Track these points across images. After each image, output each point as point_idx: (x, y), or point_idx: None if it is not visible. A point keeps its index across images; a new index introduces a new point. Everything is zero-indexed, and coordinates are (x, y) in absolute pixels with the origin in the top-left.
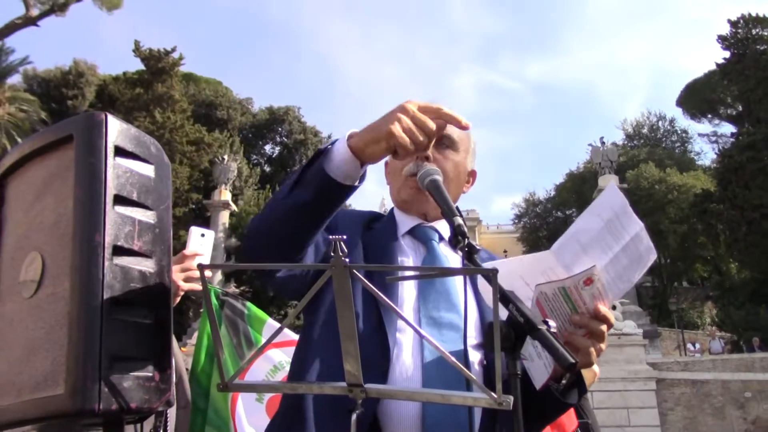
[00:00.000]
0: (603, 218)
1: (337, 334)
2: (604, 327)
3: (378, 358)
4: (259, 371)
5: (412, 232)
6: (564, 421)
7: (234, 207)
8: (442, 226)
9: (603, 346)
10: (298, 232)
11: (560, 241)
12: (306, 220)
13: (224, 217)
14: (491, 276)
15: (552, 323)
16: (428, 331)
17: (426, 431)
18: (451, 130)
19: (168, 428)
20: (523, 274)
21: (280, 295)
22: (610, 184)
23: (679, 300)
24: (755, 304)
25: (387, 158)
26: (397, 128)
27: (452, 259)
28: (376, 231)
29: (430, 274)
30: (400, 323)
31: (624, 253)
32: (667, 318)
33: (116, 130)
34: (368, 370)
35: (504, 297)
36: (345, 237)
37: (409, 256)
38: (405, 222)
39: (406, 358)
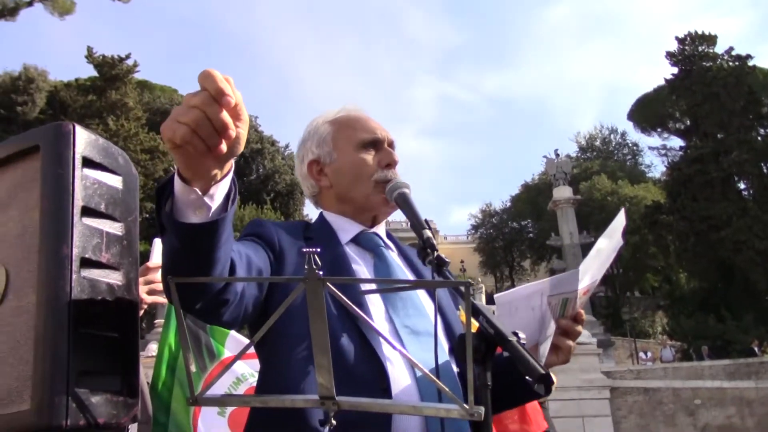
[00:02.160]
0: (613, 240)
1: (309, 348)
2: (579, 327)
3: (374, 375)
4: (222, 384)
5: (356, 240)
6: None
7: None
8: (382, 231)
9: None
10: (199, 267)
11: (585, 262)
12: (194, 259)
13: None
14: (464, 289)
15: (521, 334)
16: (408, 341)
17: None
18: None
19: None
20: (543, 289)
21: (219, 324)
22: (621, 211)
23: (632, 309)
24: (704, 313)
25: (344, 166)
26: (165, 122)
27: (399, 263)
28: (315, 241)
29: (404, 286)
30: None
31: (605, 263)
32: (619, 327)
33: (84, 140)
34: (367, 388)
35: (474, 309)
36: (318, 249)
37: (360, 264)
38: (346, 228)
39: (399, 372)
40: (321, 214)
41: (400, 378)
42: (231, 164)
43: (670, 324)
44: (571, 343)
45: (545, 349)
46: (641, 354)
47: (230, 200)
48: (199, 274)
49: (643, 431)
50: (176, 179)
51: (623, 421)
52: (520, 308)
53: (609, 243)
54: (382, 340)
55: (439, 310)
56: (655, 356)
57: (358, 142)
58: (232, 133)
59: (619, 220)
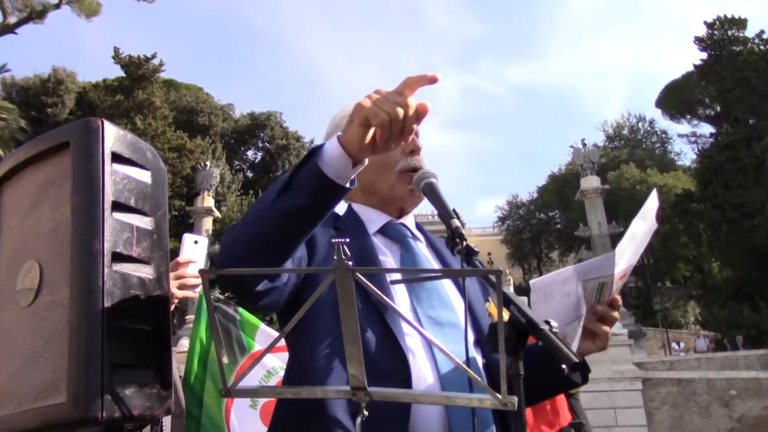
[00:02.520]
0: (648, 221)
1: (339, 338)
2: (616, 313)
3: (396, 366)
4: (253, 377)
5: (383, 230)
6: (563, 410)
7: (217, 213)
8: (410, 222)
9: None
10: (285, 240)
11: (621, 245)
12: (296, 226)
13: (207, 224)
14: (495, 278)
15: (554, 323)
16: (431, 331)
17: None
18: None
19: None
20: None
21: (255, 307)
22: (653, 192)
23: (663, 300)
24: (738, 303)
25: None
26: (365, 101)
27: (427, 254)
28: (343, 232)
29: (433, 276)
30: (407, 327)
31: (641, 248)
32: (651, 318)
33: (113, 136)
34: (388, 379)
35: (505, 298)
36: (347, 240)
37: (387, 255)
38: (373, 219)
39: (421, 363)
40: (349, 206)
41: (422, 369)
42: None
43: (703, 314)
44: (607, 329)
45: (574, 332)
46: (674, 345)
47: (352, 184)
48: (302, 234)
49: (677, 423)
50: (338, 147)
51: (656, 413)
52: (556, 294)
53: (643, 225)
54: (405, 330)
55: (469, 302)
56: (689, 347)
57: None
58: (408, 139)
59: (652, 202)
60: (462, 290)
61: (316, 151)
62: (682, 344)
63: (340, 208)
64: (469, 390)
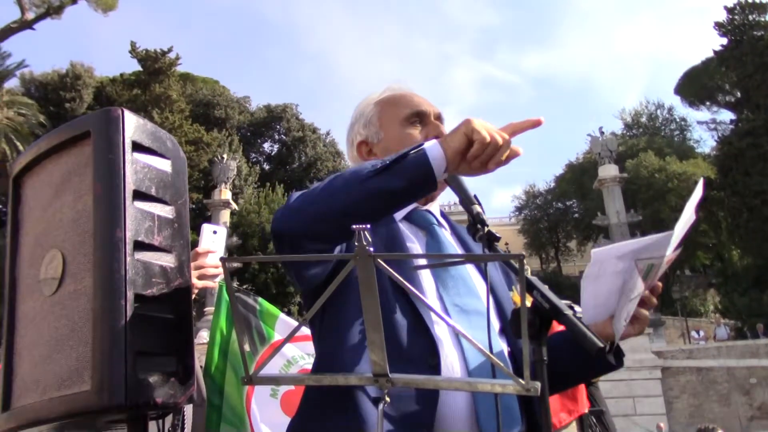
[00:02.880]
0: (689, 210)
1: (363, 327)
2: (654, 299)
3: (425, 352)
4: (273, 367)
5: (409, 217)
6: (581, 398)
7: (234, 206)
8: (435, 209)
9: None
10: (368, 216)
11: (677, 228)
12: (385, 206)
13: (225, 216)
14: (518, 263)
15: (577, 308)
16: (458, 319)
17: (481, 424)
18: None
19: (185, 426)
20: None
21: (302, 275)
22: (700, 182)
23: (682, 288)
24: (758, 291)
25: (385, 141)
26: (475, 119)
27: (452, 242)
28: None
29: (456, 261)
30: (434, 314)
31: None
32: (670, 306)
33: (133, 125)
34: (418, 365)
35: (528, 283)
36: (368, 226)
37: (414, 242)
38: None
39: (449, 351)
40: None
41: (449, 356)
42: None
43: (723, 302)
44: (647, 313)
45: (624, 314)
46: (694, 333)
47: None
48: (381, 215)
49: (697, 411)
50: (438, 147)
51: (675, 402)
52: (608, 271)
53: (688, 213)
54: (434, 318)
55: (491, 288)
56: (708, 335)
57: (403, 118)
58: (492, 168)
59: (698, 192)
60: (485, 277)
61: (418, 147)
62: (702, 333)
63: None
64: (493, 377)
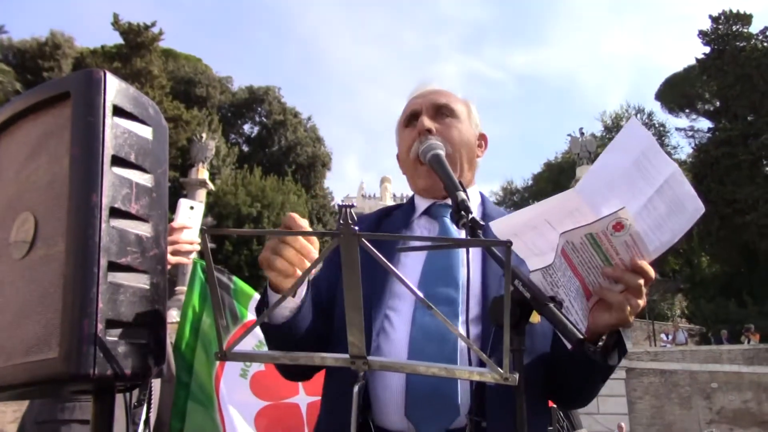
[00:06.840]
0: (629, 154)
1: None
2: (641, 280)
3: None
4: (244, 346)
5: (428, 212)
6: None
7: (211, 186)
8: (474, 197)
9: (641, 302)
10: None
11: (583, 179)
12: (294, 343)
13: (201, 196)
14: (506, 250)
15: (562, 299)
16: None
17: (410, 404)
18: (447, 99)
19: (152, 401)
20: (549, 218)
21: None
22: (632, 119)
23: (651, 291)
24: (725, 298)
25: (397, 152)
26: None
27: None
28: (393, 217)
29: (440, 245)
30: (392, 301)
31: (660, 197)
32: None
33: (115, 88)
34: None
35: (513, 273)
36: (354, 204)
37: (415, 233)
38: (420, 205)
39: (393, 335)
40: (412, 195)
41: (393, 341)
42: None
43: (690, 307)
44: (619, 297)
45: (575, 310)
46: (662, 336)
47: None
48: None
49: (658, 413)
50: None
51: (638, 402)
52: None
53: (623, 157)
54: (386, 303)
55: (484, 280)
56: (674, 338)
57: (401, 124)
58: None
59: (630, 130)
60: (484, 267)
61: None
62: (670, 336)
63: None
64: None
